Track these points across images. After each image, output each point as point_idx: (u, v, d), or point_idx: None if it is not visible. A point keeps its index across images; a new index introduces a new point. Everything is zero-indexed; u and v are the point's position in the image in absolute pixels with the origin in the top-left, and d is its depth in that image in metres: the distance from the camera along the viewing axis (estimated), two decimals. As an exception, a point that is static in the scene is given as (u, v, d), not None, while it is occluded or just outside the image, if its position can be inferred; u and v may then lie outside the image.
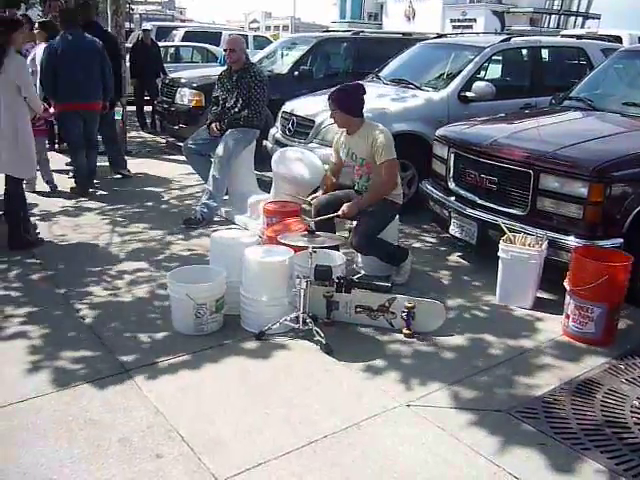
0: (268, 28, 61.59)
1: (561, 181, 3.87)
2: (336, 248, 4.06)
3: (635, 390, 3.07)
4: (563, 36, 9.39)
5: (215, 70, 8.12)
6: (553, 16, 40.04)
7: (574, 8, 40.66)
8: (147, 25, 13.54)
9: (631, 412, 2.89)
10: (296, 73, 8.08)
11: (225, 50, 5.67)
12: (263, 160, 6.29)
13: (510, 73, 7.33)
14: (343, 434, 2.66)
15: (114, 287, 4.11)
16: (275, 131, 6.88)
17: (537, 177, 3.98)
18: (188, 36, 15.10)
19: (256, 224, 5.08)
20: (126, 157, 7.58)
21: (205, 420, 2.73)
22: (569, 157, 3.93)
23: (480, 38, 8.49)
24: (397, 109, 5.86)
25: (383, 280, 3.97)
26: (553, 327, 3.70)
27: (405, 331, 3.53)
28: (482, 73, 6.59)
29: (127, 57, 8.91)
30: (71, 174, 6.59)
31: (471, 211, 4.45)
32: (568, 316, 3.59)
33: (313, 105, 6.35)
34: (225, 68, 5.75)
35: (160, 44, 11.86)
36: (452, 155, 4.76)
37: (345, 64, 8.96)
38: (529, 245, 3.88)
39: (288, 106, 6.71)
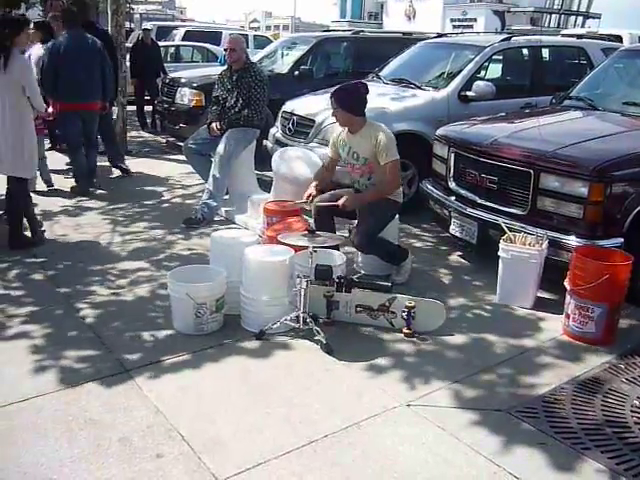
0: (268, 28, 61.62)
1: (561, 181, 3.87)
2: (336, 248, 4.06)
3: (635, 389, 3.07)
4: (563, 35, 9.40)
5: (215, 70, 8.10)
6: (553, 15, 40.01)
7: (574, 7, 40.63)
8: (147, 25, 13.54)
9: (631, 411, 2.89)
10: (296, 73, 8.07)
11: (225, 50, 5.67)
12: (263, 160, 6.30)
13: (510, 73, 7.33)
14: (343, 434, 2.66)
15: (115, 287, 4.11)
16: (275, 131, 6.88)
17: (537, 177, 3.97)
18: (188, 36, 15.09)
19: (256, 224, 5.08)
20: (126, 157, 7.59)
21: (205, 420, 2.73)
22: (569, 157, 3.93)
23: (480, 37, 8.50)
24: (397, 108, 5.86)
25: (383, 280, 3.97)
26: (553, 327, 3.70)
27: (405, 331, 3.53)
28: (482, 73, 6.59)
29: (127, 57, 8.90)
30: (71, 174, 6.60)
31: (471, 211, 4.45)
32: (568, 316, 3.59)
33: (313, 105, 6.35)
34: (225, 68, 5.75)
35: (160, 44, 11.86)
36: (452, 155, 4.76)
37: (345, 64, 8.96)
38: (529, 245, 3.88)
39: (288, 106, 6.71)
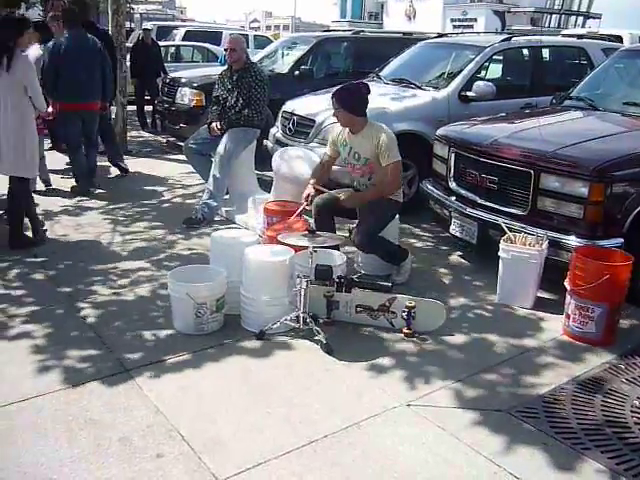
0: (269, 28, 61.68)
1: (562, 181, 3.87)
2: (336, 248, 4.06)
3: (635, 390, 3.07)
4: (564, 36, 9.39)
5: (216, 70, 8.11)
6: (554, 16, 39.97)
7: (575, 8, 40.60)
8: (148, 25, 13.55)
9: (631, 412, 2.89)
10: (296, 73, 8.07)
11: (226, 50, 5.67)
12: (263, 160, 6.30)
13: (511, 73, 7.33)
14: (343, 434, 2.66)
15: (115, 286, 4.11)
16: (275, 131, 6.88)
17: (538, 177, 3.97)
18: (189, 36, 15.10)
19: (256, 224, 5.08)
20: (127, 157, 7.59)
21: (205, 419, 2.73)
22: (570, 157, 3.93)
23: (481, 38, 8.49)
24: (398, 109, 5.86)
25: (383, 279, 3.97)
26: (553, 327, 3.70)
27: (405, 331, 3.53)
28: (483, 73, 6.59)
29: (128, 57, 8.90)
30: (71, 173, 6.60)
31: (471, 211, 4.45)
32: (569, 316, 3.58)
33: (314, 105, 6.35)
34: (226, 67, 5.75)
35: (161, 43, 11.86)
36: (453, 155, 4.76)
37: (346, 64, 8.96)
38: (529, 245, 3.88)
39: (289, 106, 6.71)
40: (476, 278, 4.42)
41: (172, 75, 9.52)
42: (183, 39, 14.92)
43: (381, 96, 6.02)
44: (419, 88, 6.30)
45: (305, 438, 2.61)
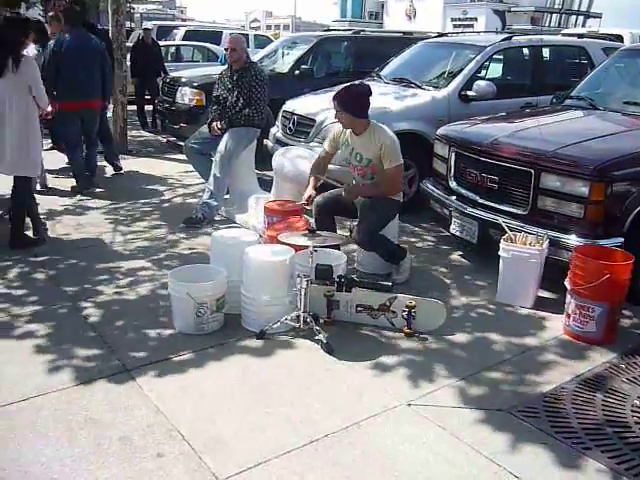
0: (269, 27, 61.68)
1: (562, 180, 3.87)
2: (337, 247, 4.06)
3: (636, 389, 3.07)
4: (564, 35, 9.38)
5: (216, 69, 8.11)
6: (554, 15, 39.97)
7: (575, 7, 40.60)
8: (148, 24, 13.55)
9: (632, 411, 2.89)
10: (297, 72, 8.06)
11: (226, 49, 5.66)
12: (264, 159, 6.30)
13: (511, 72, 7.32)
14: (344, 433, 2.66)
15: (116, 286, 4.11)
16: (276, 130, 6.88)
17: (538, 176, 3.97)
18: (189, 35, 15.10)
19: (257, 223, 5.08)
20: (127, 156, 7.58)
21: (206, 419, 2.73)
22: (570, 156, 3.93)
23: (481, 37, 8.48)
24: (398, 108, 5.86)
25: (384, 279, 3.98)
26: (554, 326, 3.70)
27: (406, 330, 3.52)
28: (483, 72, 6.59)
29: (128, 56, 8.90)
30: (70, 173, 6.60)
31: (472, 210, 4.45)
32: (569, 315, 3.58)
33: (314, 104, 6.35)
34: (226, 67, 5.75)
35: (161, 43, 11.86)
36: (453, 154, 4.76)
37: (346, 63, 8.95)
38: (530, 244, 3.88)
39: (289, 105, 6.71)
40: (476, 277, 4.42)
41: (172, 75, 9.53)
42: (183, 39, 14.92)
43: (381, 96, 6.01)
44: (419, 87, 6.30)
45: (306, 437, 2.61)
